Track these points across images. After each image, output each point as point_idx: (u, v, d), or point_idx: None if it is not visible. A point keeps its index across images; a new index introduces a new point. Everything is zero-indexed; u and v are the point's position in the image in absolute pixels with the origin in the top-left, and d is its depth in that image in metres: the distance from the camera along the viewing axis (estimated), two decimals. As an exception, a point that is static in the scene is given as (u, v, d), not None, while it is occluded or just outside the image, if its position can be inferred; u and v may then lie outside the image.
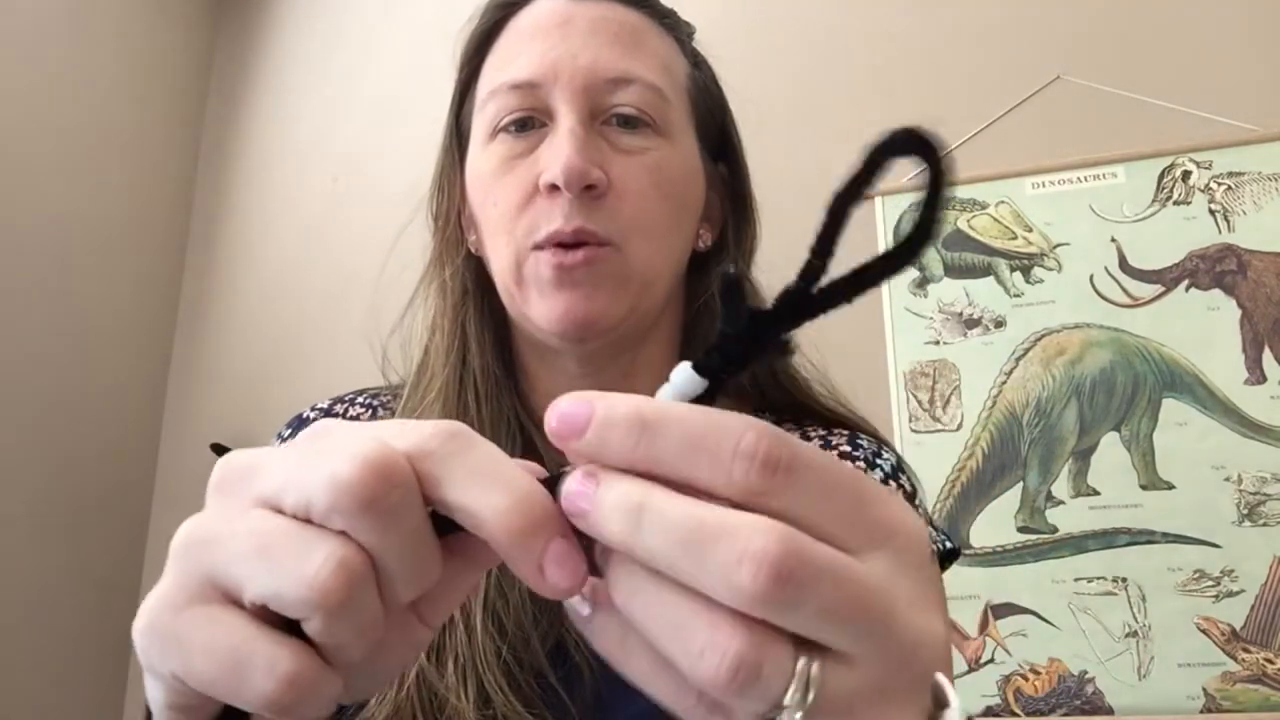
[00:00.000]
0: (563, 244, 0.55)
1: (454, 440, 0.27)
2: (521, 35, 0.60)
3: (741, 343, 0.26)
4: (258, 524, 0.26)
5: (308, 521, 0.26)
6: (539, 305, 0.56)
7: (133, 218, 2.27)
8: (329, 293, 2.14)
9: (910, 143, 0.24)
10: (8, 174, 1.97)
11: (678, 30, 0.65)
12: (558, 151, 0.55)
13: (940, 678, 0.30)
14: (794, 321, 0.25)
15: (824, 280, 0.25)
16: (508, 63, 0.60)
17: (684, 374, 0.27)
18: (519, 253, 0.57)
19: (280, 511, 0.26)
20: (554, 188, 0.54)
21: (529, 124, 0.58)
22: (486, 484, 0.26)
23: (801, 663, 0.23)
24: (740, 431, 0.24)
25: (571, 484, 0.26)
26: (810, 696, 0.23)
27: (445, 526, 0.27)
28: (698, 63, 0.67)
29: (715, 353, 0.26)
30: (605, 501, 0.25)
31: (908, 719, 0.25)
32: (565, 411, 0.26)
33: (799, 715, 0.23)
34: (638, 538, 0.24)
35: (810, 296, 0.25)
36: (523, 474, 0.26)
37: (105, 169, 2.20)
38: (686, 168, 0.61)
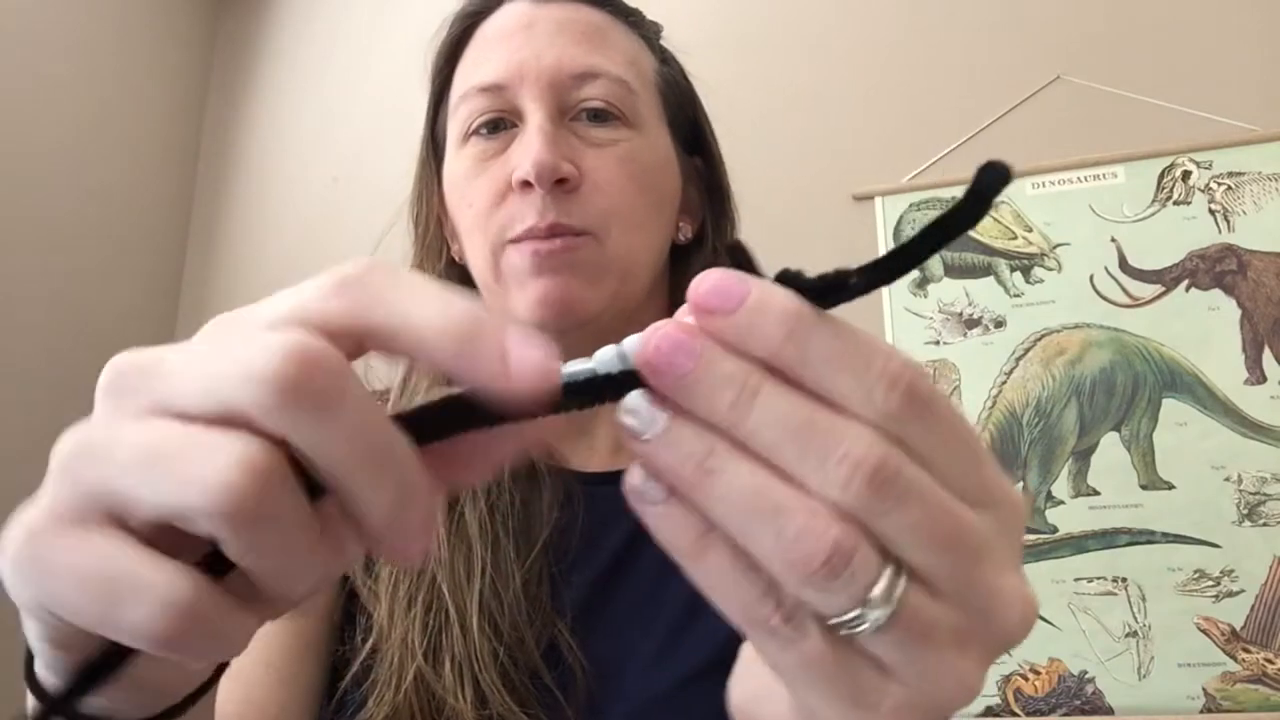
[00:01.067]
0: (538, 238, 0.55)
1: (372, 273, 0.24)
2: (488, 41, 0.62)
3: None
4: (152, 431, 0.22)
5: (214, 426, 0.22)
6: (518, 296, 0.56)
7: (133, 218, 2.27)
8: (329, 293, 2.14)
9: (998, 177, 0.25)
10: (8, 174, 1.97)
11: (643, 28, 0.66)
12: (527, 148, 0.55)
13: None
14: (817, 297, 0.25)
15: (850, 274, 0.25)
16: (476, 68, 0.61)
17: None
18: (494, 249, 0.57)
19: (183, 417, 0.22)
20: (526, 184, 0.55)
21: (500, 125, 0.59)
22: (417, 298, 0.23)
23: (890, 568, 0.23)
24: (889, 354, 0.24)
25: (672, 331, 0.24)
26: (896, 597, 0.23)
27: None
28: (666, 59, 0.68)
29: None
30: (717, 369, 0.23)
31: (980, 678, 0.25)
32: (719, 285, 0.24)
33: (883, 617, 0.23)
34: (747, 414, 0.23)
35: (841, 284, 0.25)
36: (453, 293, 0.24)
37: (106, 169, 2.21)
38: (659, 158, 0.62)
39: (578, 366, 0.25)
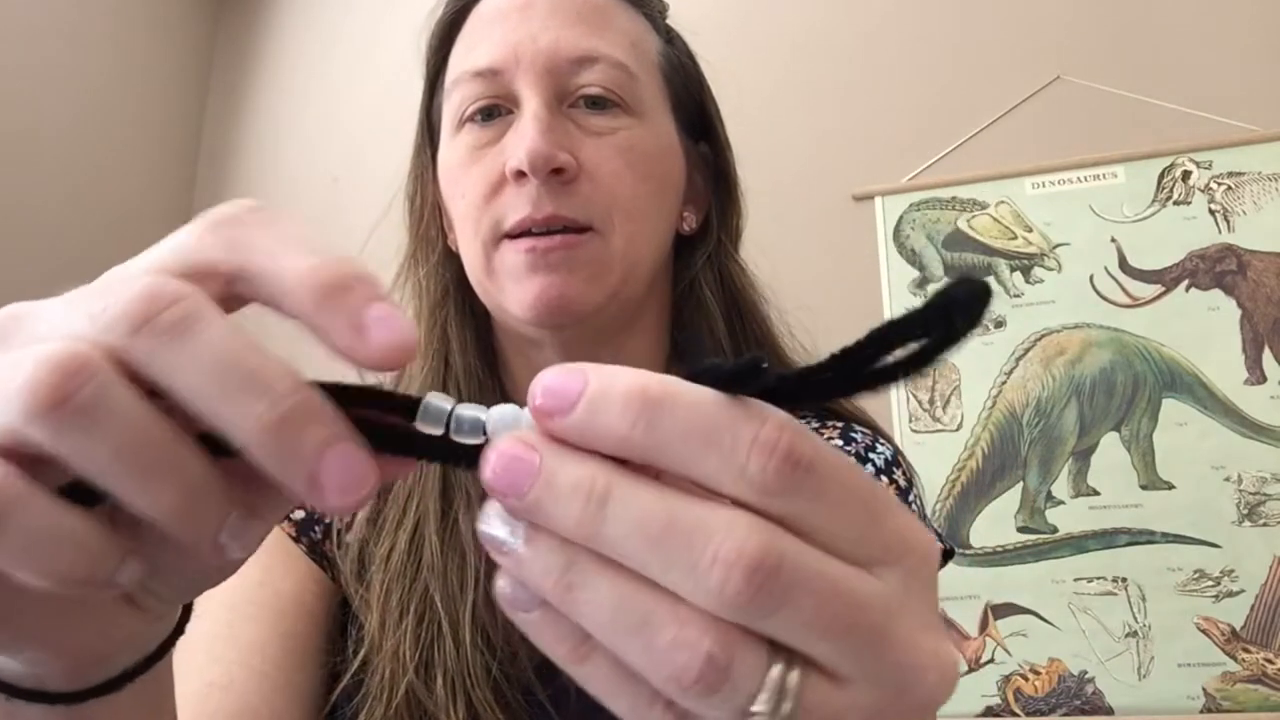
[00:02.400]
0: (534, 232, 0.53)
1: (248, 216, 0.23)
2: (483, 22, 0.59)
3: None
4: None
5: None
6: (513, 293, 0.54)
7: (133, 218, 2.27)
8: (329, 293, 2.14)
9: (970, 292, 0.21)
10: (8, 175, 1.97)
11: (647, 7, 0.63)
12: (522, 137, 0.53)
13: None
14: (785, 398, 0.23)
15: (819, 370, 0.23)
16: (470, 51, 0.58)
17: None
18: (487, 244, 0.55)
19: None
20: (520, 174, 0.53)
21: (495, 112, 0.56)
22: (289, 246, 0.23)
23: (777, 669, 0.21)
24: (760, 419, 0.21)
25: (507, 448, 0.22)
26: (786, 707, 0.21)
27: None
28: (671, 39, 0.64)
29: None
30: (560, 481, 0.21)
31: None
32: (553, 385, 0.22)
33: None
34: (600, 528, 0.21)
35: (802, 384, 0.22)
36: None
37: (105, 169, 2.20)
38: (661, 146, 0.59)
39: (457, 409, 0.24)
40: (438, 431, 0.24)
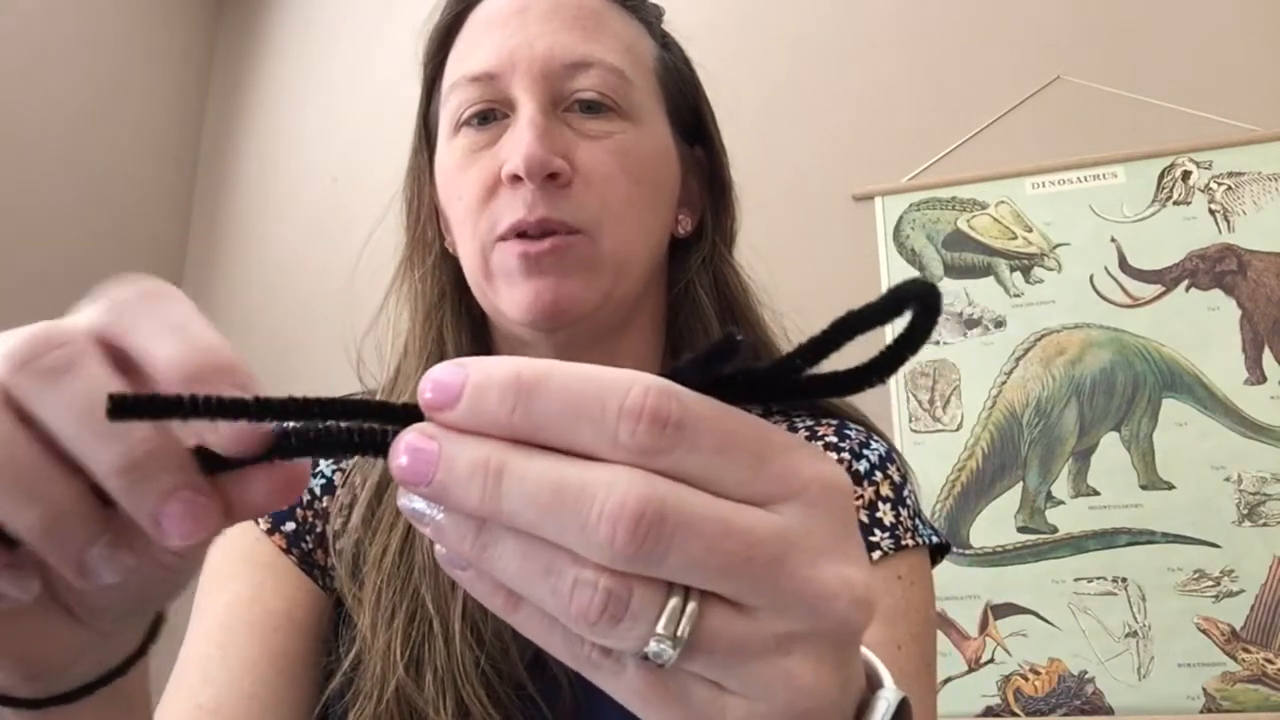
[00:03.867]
0: (528, 234, 0.54)
1: (146, 298, 0.26)
2: (480, 27, 0.60)
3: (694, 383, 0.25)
4: None
5: None
6: (508, 295, 0.55)
7: (133, 218, 2.27)
8: (329, 293, 2.14)
9: (916, 295, 0.24)
10: (8, 174, 1.97)
11: (643, 12, 0.64)
12: (518, 141, 0.54)
13: (871, 658, 0.29)
14: (749, 395, 0.24)
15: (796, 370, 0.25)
16: (467, 55, 0.59)
17: None
18: (484, 246, 0.56)
19: None
20: (516, 178, 0.54)
21: (491, 116, 0.57)
22: (161, 336, 0.25)
23: (674, 600, 0.23)
24: (625, 389, 0.23)
25: (411, 440, 0.24)
26: (684, 632, 0.23)
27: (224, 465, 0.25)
28: (667, 44, 0.65)
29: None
30: (458, 465, 0.23)
31: (823, 674, 0.24)
32: (439, 379, 0.24)
33: (673, 651, 0.23)
34: (499, 504, 0.23)
35: (771, 381, 0.24)
36: (209, 332, 0.25)
37: (105, 169, 2.21)
38: (656, 150, 0.60)
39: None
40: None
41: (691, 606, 0.23)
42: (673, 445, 0.23)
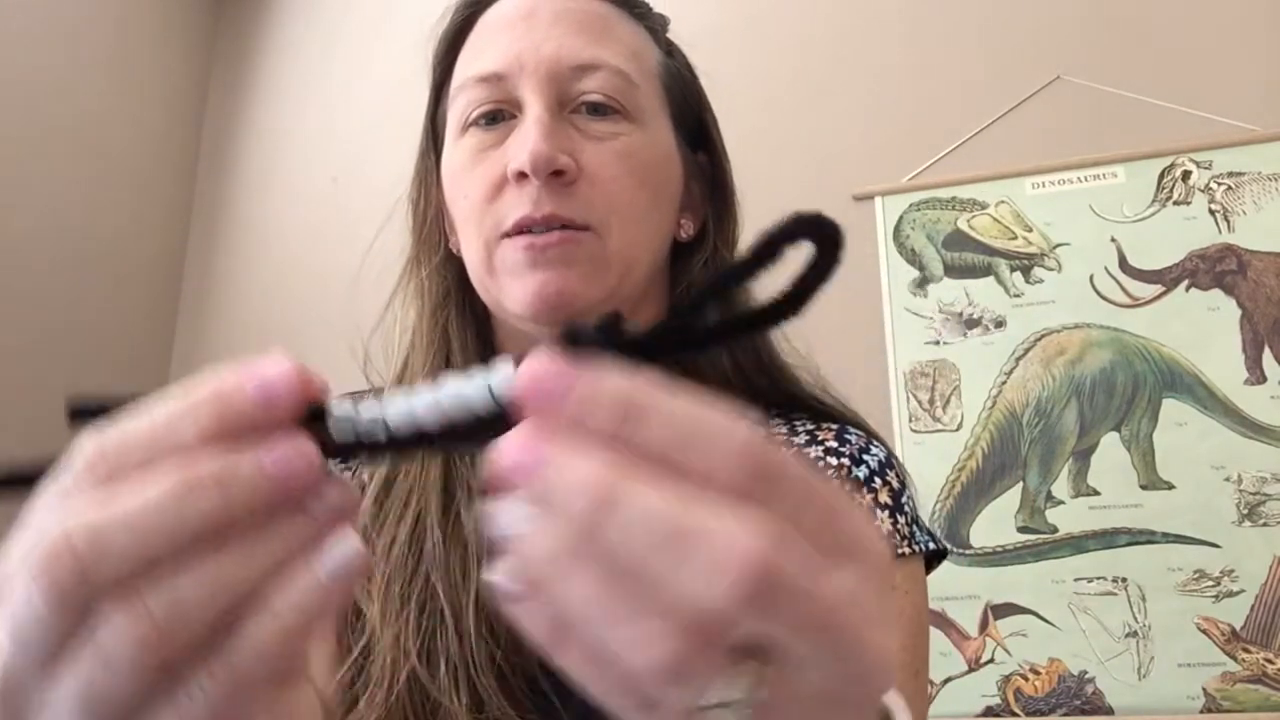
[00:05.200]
0: (532, 230, 0.55)
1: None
2: (489, 30, 0.61)
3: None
4: None
5: None
6: (512, 289, 0.55)
7: (133, 219, 2.27)
8: (329, 293, 2.14)
9: (810, 228, 0.24)
10: (8, 176, 1.97)
11: (649, 20, 0.65)
12: (524, 139, 0.55)
13: (892, 695, 0.29)
14: (656, 350, 0.24)
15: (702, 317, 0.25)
16: (475, 57, 0.60)
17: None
18: (489, 242, 0.57)
19: None
20: (522, 175, 0.54)
21: (498, 116, 0.58)
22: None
23: (751, 664, 0.22)
24: (733, 429, 0.23)
25: (524, 438, 0.23)
26: (748, 697, 0.22)
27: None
28: (671, 52, 0.66)
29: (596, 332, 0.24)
30: (568, 479, 0.22)
31: None
32: (543, 376, 0.23)
33: (737, 713, 0.22)
34: (601, 530, 0.22)
35: (681, 334, 0.24)
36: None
37: (105, 170, 2.21)
38: (660, 152, 0.60)
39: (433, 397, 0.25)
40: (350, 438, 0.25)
41: (760, 672, 0.22)
42: (767, 495, 0.22)
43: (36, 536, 0.23)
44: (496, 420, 0.24)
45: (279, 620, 0.23)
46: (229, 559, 0.23)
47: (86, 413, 0.22)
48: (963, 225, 1.69)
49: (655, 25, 0.65)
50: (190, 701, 0.23)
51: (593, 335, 0.24)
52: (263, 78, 2.46)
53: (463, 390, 0.24)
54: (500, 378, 0.24)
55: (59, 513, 0.23)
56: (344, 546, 0.24)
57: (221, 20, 2.56)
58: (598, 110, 0.57)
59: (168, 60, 2.41)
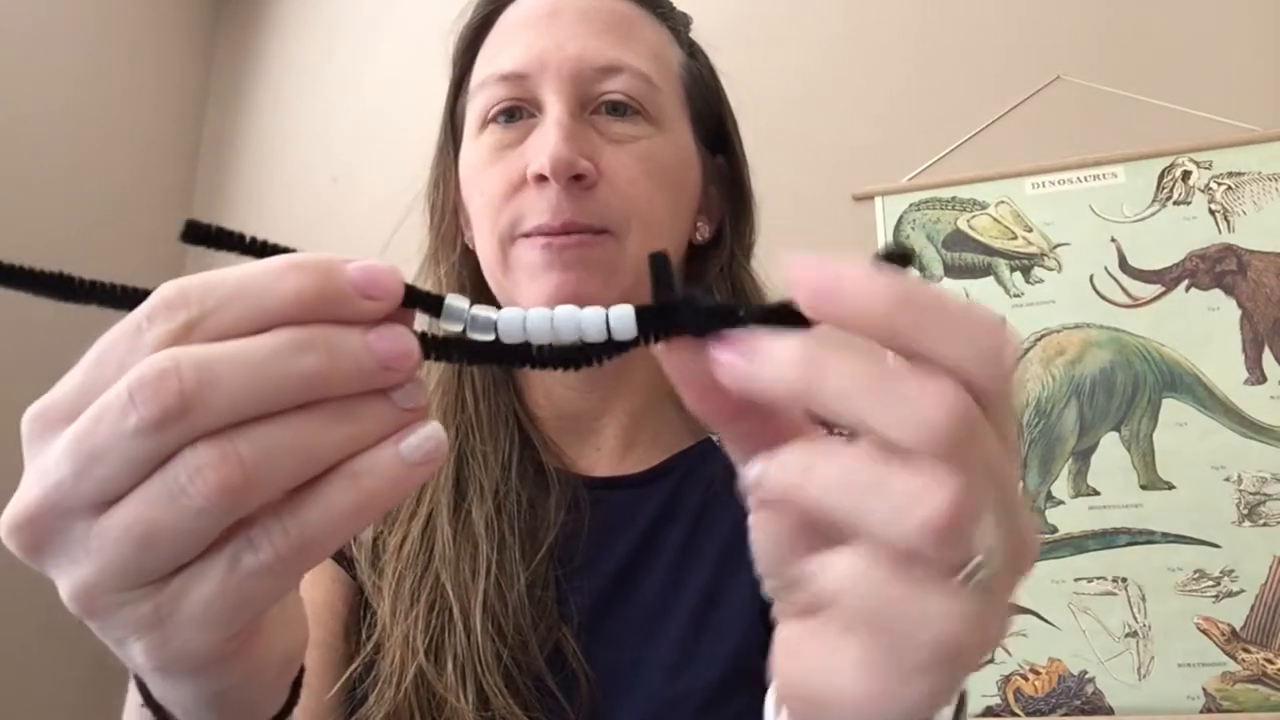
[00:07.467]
0: (551, 234, 0.54)
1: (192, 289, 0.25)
2: (511, 27, 0.61)
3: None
4: None
5: None
6: (528, 289, 0.55)
7: (133, 218, 2.27)
8: (329, 293, 2.14)
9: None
10: (8, 175, 1.97)
11: (672, 20, 0.64)
12: (544, 141, 0.54)
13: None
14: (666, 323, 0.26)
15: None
16: (497, 54, 0.60)
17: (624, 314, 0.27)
18: (503, 240, 0.56)
19: None
20: (541, 178, 0.54)
21: (517, 114, 0.58)
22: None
23: (991, 518, 0.23)
24: (999, 325, 0.24)
25: (817, 266, 0.24)
26: (996, 555, 0.23)
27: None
28: (694, 53, 0.66)
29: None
30: (777, 343, 0.24)
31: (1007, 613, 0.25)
32: (818, 269, 0.24)
33: (983, 574, 0.22)
34: (819, 382, 0.23)
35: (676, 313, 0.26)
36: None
37: (105, 169, 2.21)
38: (680, 156, 0.60)
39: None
40: (457, 328, 0.27)
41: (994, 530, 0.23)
42: (1006, 391, 0.24)
43: (115, 367, 0.24)
44: (600, 348, 0.26)
45: (359, 491, 0.24)
46: (320, 424, 0.23)
47: (201, 232, 0.23)
48: (963, 225, 1.69)
49: (678, 25, 0.65)
50: (251, 557, 0.23)
51: (694, 304, 0.25)
52: (263, 78, 2.46)
53: (577, 314, 0.26)
54: (620, 311, 0.26)
55: (139, 346, 0.24)
56: (428, 432, 0.25)
57: (221, 21, 2.56)
58: (618, 111, 0.57)
59: (168, 61, 2.41)
